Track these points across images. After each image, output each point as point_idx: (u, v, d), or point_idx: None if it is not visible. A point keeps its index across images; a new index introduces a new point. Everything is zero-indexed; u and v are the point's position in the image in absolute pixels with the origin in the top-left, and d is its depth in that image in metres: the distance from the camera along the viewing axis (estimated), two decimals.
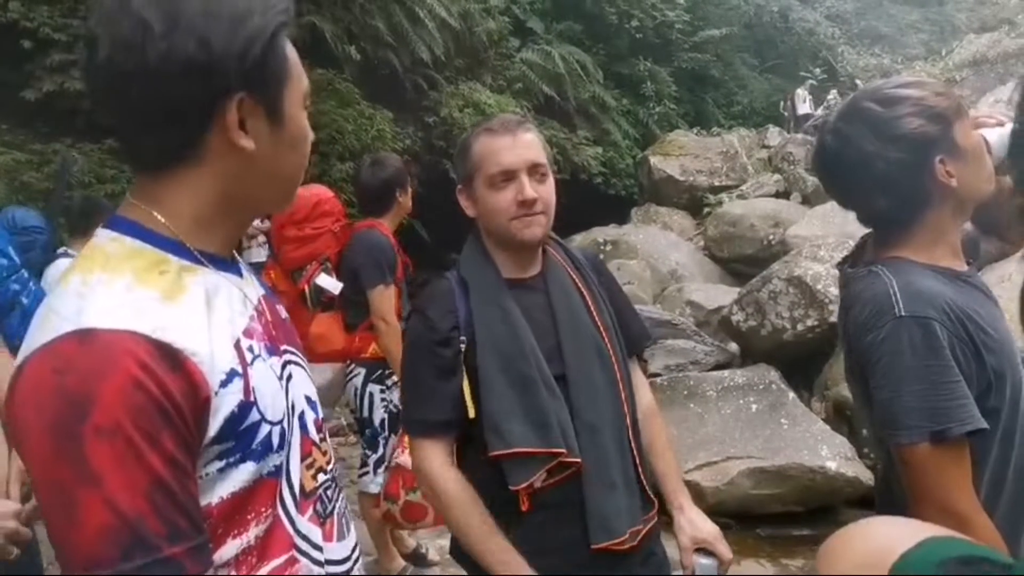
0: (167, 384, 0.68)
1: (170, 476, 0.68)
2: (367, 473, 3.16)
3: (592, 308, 1.52)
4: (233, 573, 0.76)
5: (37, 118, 6.52)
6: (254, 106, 0.78)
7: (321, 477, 0.89)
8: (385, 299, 3.00)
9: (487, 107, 11.04)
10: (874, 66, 16.75)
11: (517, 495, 1.38)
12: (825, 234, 6.61)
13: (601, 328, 1.50)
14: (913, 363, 1.17)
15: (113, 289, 0.72)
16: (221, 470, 0.74)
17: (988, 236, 3.34)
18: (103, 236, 0.79)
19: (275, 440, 0.79)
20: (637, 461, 1.50)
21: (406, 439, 2.97)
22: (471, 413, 1.40)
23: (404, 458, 2.95)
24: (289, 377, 0.86)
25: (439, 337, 1.43)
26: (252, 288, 0.88)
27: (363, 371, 3.11)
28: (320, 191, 3.29)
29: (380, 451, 3.12)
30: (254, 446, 0.77)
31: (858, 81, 15.05)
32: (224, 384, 0.74)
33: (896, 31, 20.02)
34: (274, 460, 0.79)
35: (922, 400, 1.16)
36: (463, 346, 1.42)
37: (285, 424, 0.81)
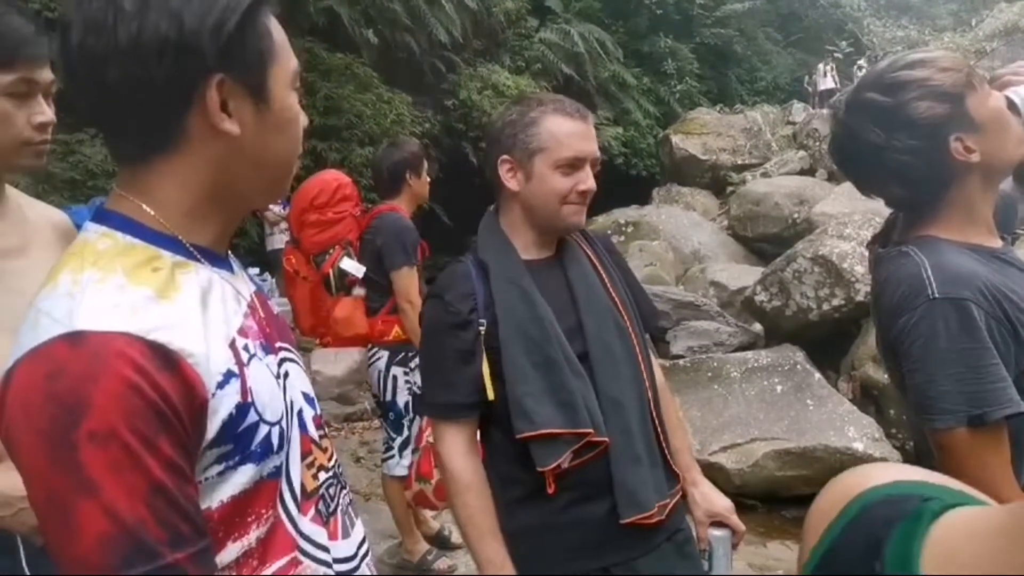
0: (163, 386, 0.66)
1: (169, 481, 0.65)
2: (392, 456, 3.18)
3: (609, 285, 1.51)
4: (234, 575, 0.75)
5: (60, 108, 6.58)
6: (236, 87, 0.75)
7: (322, 476, 0.87)
8: (411, 281, 3.01)
9: (505, 88, 10.98)
10: (901, 38, 16.36)
11: (543, 476, 1.37)
12: (851, 211, 6.49)
13: (619, 304, 1.50)
14: (948, 346, 1.13)
15: (105, 289, 0.69)
16: (220, 473, 0.72)
17: None
18: (92, 231, 0.76)
19: (274, 440, 0.77)
20: (660, 434, 1.50)
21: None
22: (491, 396, 1.39)
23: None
24: (286, 375, 0.84)
25: (458, 320, 1.42)
26: (244, 284, 0.85)
27: (386, 354, 3.12)
28: (339, 175, 3.30)
29: (405, 433, 3.14)
30: (253, 448, 0.74)
31: (884, 54, 14.72)
32: (221, 385, 0.71)
33: (924, 2, 19.54)
34: (274, 461, 0.77)
35: (959, 384, 1.13)
36: (482, 328, 1.41)
37: (284, 424, 0.79)
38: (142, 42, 0.70)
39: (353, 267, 3.10)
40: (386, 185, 3.23)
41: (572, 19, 12.87)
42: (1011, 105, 1.23)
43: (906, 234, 1.30)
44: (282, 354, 0.86)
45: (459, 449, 1.42)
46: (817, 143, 10.62)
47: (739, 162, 11.19)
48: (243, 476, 0.74)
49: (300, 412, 0.85)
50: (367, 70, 9.10)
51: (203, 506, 0.71)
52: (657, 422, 1.50)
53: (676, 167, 11.57)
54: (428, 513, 3.39)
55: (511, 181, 1.47)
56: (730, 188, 10.50)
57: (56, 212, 1.44)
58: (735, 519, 1.53)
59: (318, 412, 0.91)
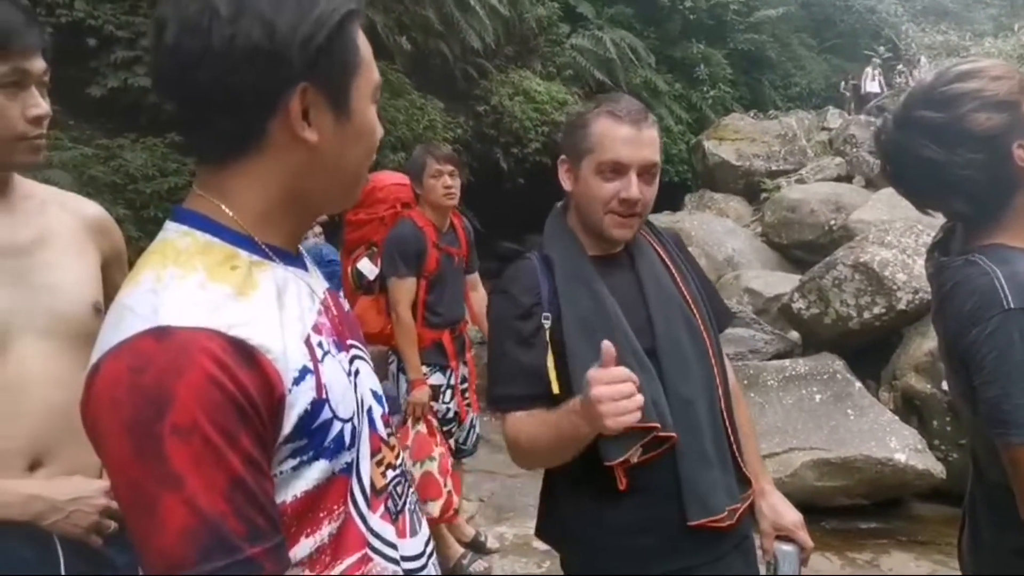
0: (243, 381, 0.67)
1: (248, 475, 0.67)
2: None
3: (680, 282, 1.48)
4: (307, 572, 0.75)
5: (102, 114, 6.73)
6: (318, 97, 0.76)
7: (390, 473, 0.88)
8: (397, 291, 3.00)
9: (537, 94, 10.99)
10: (940, 43, 16.06)
11: (612, 473, 1.34)
12: (892, 219, 6.35)
13: (690, 302, 1.47)
14: (1023, 359, 1.10)
15: (186, 285, 0.71)
16: (295, 468, 0.74)
17: None
18: (172, 230, 0.78)
19: (347, 437, 0.78)
20: (731, 437, 1.46)
21: (398, 431, 3.03)
22: (555, 389, 1.37)
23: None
24: (356, 372, 0.85)
25: (520, 312, 1.41)
26: (318, 282, 0.87)
27: (396, 359, 3.16)
28: (380, 178, 3.34)
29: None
30: (327, 444, 0.75)
31: (922, 58, 14.47)
32: (297, 382, 0.73)
33: (963, 6, 19.17)
34: (345, 457, 0.78)
35: None
36: (547, 322, 1.40)
37: (356, 421, 0.80)
38: (235, 47, 0.72)
39: (367, 268, 3.16)
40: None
41: (604, 25, 12.86)
42: None
43: (970, 242, 1.26)
44: (353, 352, 0.87)
45: (521, 424, 1.38)
46: (854, 149, 10.44)
47: (773, 168, 11.04)
48: (316, 471, 0.75)
49: (370, 410, 0.86)
50: (400, 76, 9.17)
51: (278, 500, 0.72)
52: (728, 422, 1.46)
53: (709, 173, 11.46)
54: (463, 518, 3.38)
55: (567, 181, 1.48)
56: (764, 194, 10.35)
57: (90, 205, 1.41)
58: (804, 535, 1.47)
59: (386, 410, 0.92)
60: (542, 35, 12.16)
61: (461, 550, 3.27)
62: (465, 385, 3.24)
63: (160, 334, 0.67)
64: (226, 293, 0.72)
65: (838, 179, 10.04)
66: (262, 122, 0.75)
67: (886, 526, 3.93)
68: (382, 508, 0.84)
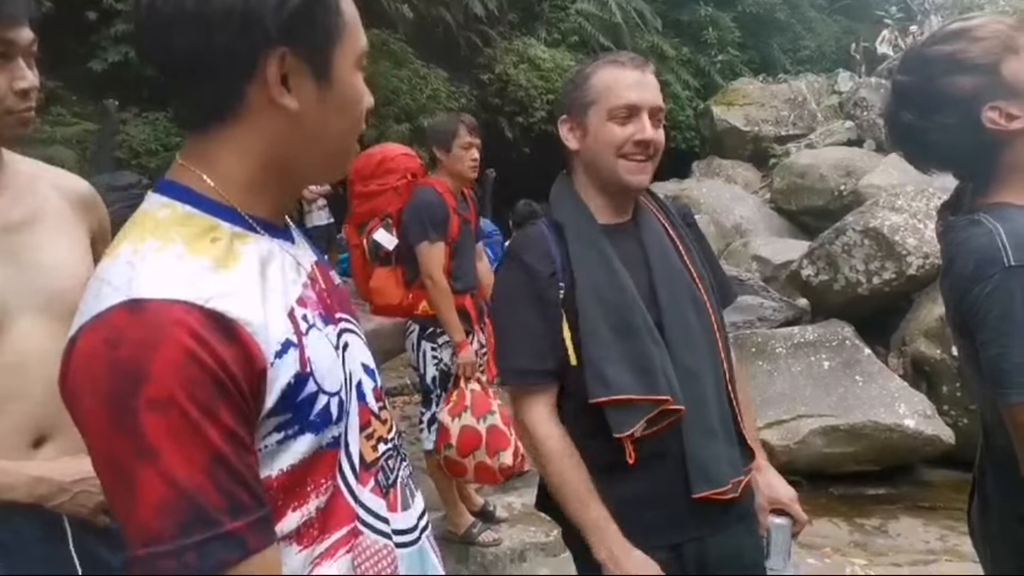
0: (221, 355, 0.66)
1: (229, 449, 0.66)
2: (424, 429, 3.21)
3: (684, 254, 1.47)
4: (295, 546, 0.74)
5: (104, 88, 6.69)
6: (298, 63, 0.74)
7: (381, 447, 0.87)
8: (429, 256, 3.00)
9: (542, 62, 10.84)
10: (954, 2, 15.73)
11: (620, 446, 1.34)
12: (903, 183, 6.29)
13: (694, 274, 1.46)
14: None
15: (164, 257, 0.70)
16: (280, 442, 0.73)
17: None
18: (154, 202, 0.76)
19: (333, 411, 0.77)
20: (736, 408, 1.46)
21: (452, 395, 3.04)
22: (572, 360, 1.36)
23: (443, 414, 3.04)
24: (345, 346, 0.84)
25: (539, 282, 1.39)
26: (305, 254, 0.85)
27: (417, 328, 3.15)
28: (388, 149, 3.34)
29: (432, 408, 3.16)
30: (312, 417, 0.74)
31: (933, 18, 14.18)
32: (279, 355, 0.71)
33: None
34: (333, 431, 0.77)
35: None
36: (562, 291, 1.38)
37: (343, 394, 0.79)
38: (207, 9, 0.70)
39: (385, 239, 3.13)
40: (431, 160, 3.25)
41: None
42: None
43: (976, 202, 1.25)
44: (342, 325, 0.85)
45: (543, 416, 1.39)
46: (865, 112, 10.29)
47: (782, 133, 10.91)
48: (302, 445, 0.74)
49: (360, 383, 0.85)
50: (403, 46, 9.06)
51: (264, 474, 0.71)
52: (733, 395, 1.45)
53: (717, 139, 11.33)
54: (472, 488, 3.41)
55: (571, 140, 1.45)
56: (773, 160, 10.25)
57: (78, 181, 1.39)
58: (797, 508, 1.49)
59: (378, 384, 0.90)
60: (546, 1, 11.96)
61: (472, 519, 3.30)
62: (485, 351, 3.24)
63: (134, 306, 0.66)
64: (205, 265, 0.70)
65: (848, 143, 9.92)
66: (239, 87, 0.74)
67: (895, 492, 3.95)
68: (372, 482, 0.83)
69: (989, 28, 1.20)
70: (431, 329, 3.11)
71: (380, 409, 0.89)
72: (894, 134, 1.31)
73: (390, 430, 0.90)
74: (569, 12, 12.03)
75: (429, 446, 3.14)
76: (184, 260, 0.70)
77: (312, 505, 0.76)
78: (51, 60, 6.35)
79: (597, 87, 1.41)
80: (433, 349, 3.13)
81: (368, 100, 0.83)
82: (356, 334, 0.89)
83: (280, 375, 0.71)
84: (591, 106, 1.41)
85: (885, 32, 14.35)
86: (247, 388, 0.68)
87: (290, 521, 0.74)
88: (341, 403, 0.78)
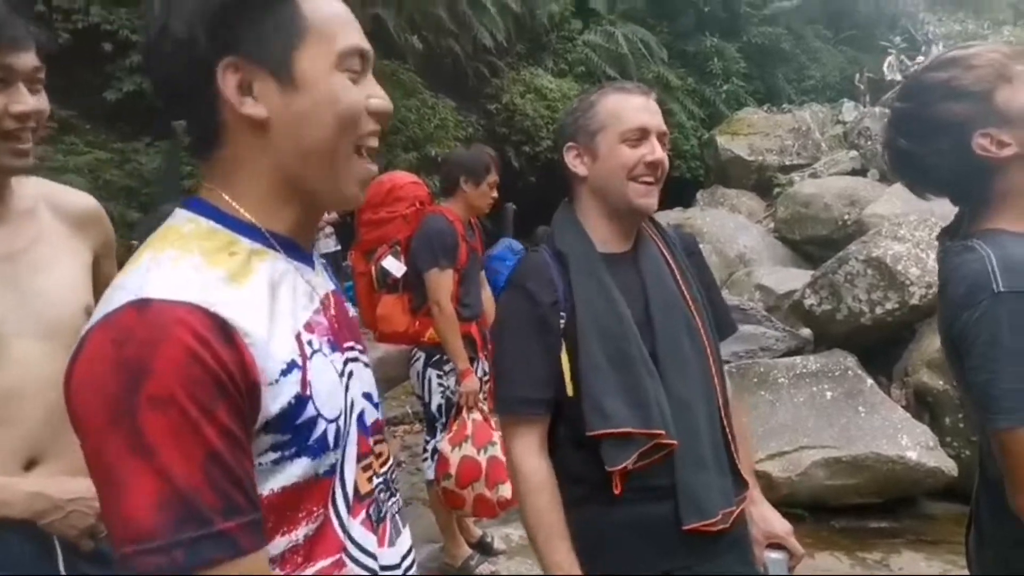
0: (222, 356, 0.67)
1: (226, 449, 0.66)
2: (427, 459, 3.20)
3: (682, 284, 1.48)
4: (277, 571, 0.74)
5: (118, 118, 6.82)
6: (255, 68, 0.75)
7: (376, 480, 0.87)
8: (438, 283, 3.02)
9: (549, 91, 10.95)
10: (957, 33, 15.81)
11: (609, 477, 1.35)
12: (906, 212, 6.29)
13: (691, 304, 1.47)
14: (1012, 342, 1.10)
15: (180, 266, 0.72)
16: (276, 462, 0.73)
17: None
18: (180, 216, 0.79)
19: (331, 438, 0.77)
20: (730, 440, 1.46)
21: (453, 425, 3.04)
22: (570, 391, 1.37)
23: (443, 444, 3.03)
24: (350, 375, 0.84)
25: (541, 311, 1.40)
26: (322, 281, 0.86)
27: (423, 355, 3.16)
28: (397, 177, 3.38)
29: (436, 436, 3.15)
30: (310, 442, 0.75)
31: (936, 48, 14.26)
32: (284, 373, 0.72)
33: None
34: (330, 459, 0.77)
35: (1021, 382, 1.09)
36: (563, 321, 1.40)
37: (342, 422, 0.79)
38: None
39: (393, 266, 3.16)
40: (444, 186, 3.31)
41: (616, 20, 12.78)
42: None
43: (971, 227, 1.26)
44: (349, 354, 0.86)
45: (532, 449, 1.40)
46: (869, 142, 10.32)
47: (787, 163, 10.94)
48: (298, 468, 0.74)
49: (361, 413, 0.85)
50: (412, 76, 9.19)
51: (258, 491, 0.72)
52: (727, 426, 1.46)
53: (721, 168, 11.38)
54: (470, 520, 3.40)
55: (579, 166, 1.47)
56: (777, 189, 10.27)
57: (80, 197, 1.38)
58: (793, 542, 1.49)
59: (381, 416, 0.91)
60: (554, 31, 12.12)
61: (469, 551, 3.29)
62: (488, 378, 3.26)
63: (142, 306, 0.67)
64: (219, 276, 0.72)
65: (853, 173, 9.93)
66: (210, 109, 0.76)
67: (897, 525, 3.90)
68: (363, 514, 0.83)
69: (984, 56, 1.22)
70: (437, 356, 3.12)
71: (377, 442, 0.89)
72: (892, 160, 1.33)
73: (385, 463, 0.91)
74: (576, 43, 12.18)
75: (431, 475, 3.14)
76: (200, 270, 0.72)
77: (301, 532, 0.76)
78: (66, 90, 6.50)
79: (606, 112, 1.44)
80: (439, 377, 3.14)
81: (348, 99, 0.78)
82: (363, 364, 0.90)
83: (281, 394, 0.72)
84: (601, 131, 1.44)
85: (891, 58, 14.44)
86: (245, 391, 0.69)
87: (277, 545, 0.74)
88: (339, 431, 0.79)
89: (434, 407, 3.16)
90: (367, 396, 0.88)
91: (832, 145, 11.37)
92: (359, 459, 0.83)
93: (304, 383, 0.74)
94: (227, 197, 0.79)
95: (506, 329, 1.47)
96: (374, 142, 0.83)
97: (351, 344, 0.87)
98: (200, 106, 0.77)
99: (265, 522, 0.72)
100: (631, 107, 1.44)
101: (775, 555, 1.47)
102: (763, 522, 1.51)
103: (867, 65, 14.91)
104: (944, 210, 1.36)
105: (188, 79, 0.76)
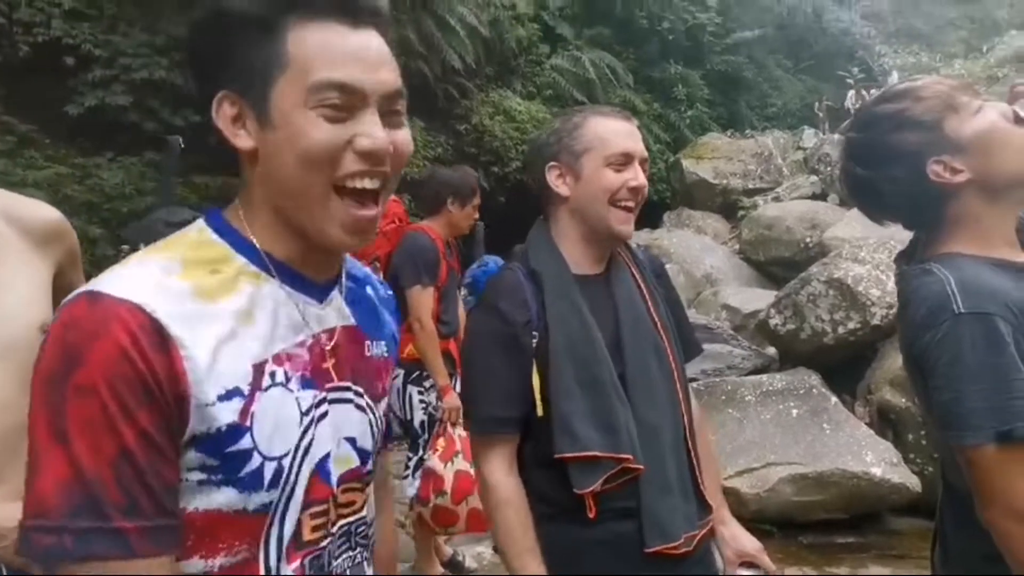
0: (152, 361, 0.67)
1: (140, 452, 0.66)
2: (407, 476, 3.17)
3: (652, 308, 1.49)
4: None
5: (79, 132, 6.68)
6: (242, 103, 0.77)
7: (331, 529, 0.81)
8: (420, 300, 3.04)
9: (517, 114, 11.05)
10: (912, 65, 16.41)
11: (579, 499, 1.35)
12: (865, 235, 6.45)
13: (660, 328, 1.48)
14: (974, 361, 1.12)
15: (150, 266, 0.73)
16: (200, 483, 0.71)
17: None
18: (196, 225, 0.81)
19: (267, 476, 0.73)
20: (695, 464, 1.47)
21: (438, 442, 3.01)
22: (540, 412, 1.37)
23: (434, 461, 2.99)
24: (323, 415, 0.79)
25: (514, 331, 1.39)
26: (331, 316, 0.83)
27: (402, 372, 3.14)
28: None
29: (420, 453, 3.13)
30: (242, 475, 0.72)
31: (892, 78, 14.77)
32: (222, 398, 0.70)
33: (934, 29, 19.62)
34: (263, 497, 0.73)
35: (985, 400, 1.11)
36: (535, 341, 1.39)
37: (287, 462, 0.75)
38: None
39: None
40: (427, 204, 3.30)
41: (583, 46, 12.99)
42: (1019, 118, 1.22)
43: (927, 252, 1.30)
44: (333, 394, 0.82)
45: (502, 466, 1.39)
46: (828, 167, 10.60)
47: (750, 186, 11.18)
48: (223, 496, 0.72)
49: (326, 458, 0.80)
50: None
51: (180, 505, 0.71)
52: (692, 450, 1.47)
53: (687, 191, 11.57)
54: (441, 538, 3.36)
55: (561, 186, 1.47)
56: (741, 212, 10.47)
57: (42, 209, 1.32)
58: (765, 559, 1.51)
59: (365, 465, 0.86)
60: (522, 55, 12.26)
61: (441, 570, 3.24)
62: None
63: (92, 298, 0.68)
64: (183, 288, 0.72)
65: (813, 197, 10.18)
66: (223, 136, 0.78)
67: (863, 540, 3.96)
68: (299, 563, 0.77)
69: (932, 88, 1.26)
70: (417, 373, 3.11)
71: (349, 490, 0.83)
72: (848, 188, 1.37)
73: (354, 513, 0.85)
74: (544, 67, 12.33)
75: (412, 492, 3.10)
76: (167, 274, 0.72)
77: (217, 562, 0.73)
78: (26, 103, 6.37)
79: (592, 135, 1.45)
80: (420, 393, 3.13)
81: (311, 139, 0.75)
82: (356, 407, 0.85)
83: (215, 418, 0.70)
84: (585, 153, 1.44)
85: (851, 92, 14.93)
86: (172, 400, 0.68)
87: (194, 565, 0.72)
88: (280, 470, 0.75)
89: (416, 423, 3.14)
90: (351, 441, 0.83)
91: (793, 170, 11.65)
92: (308, 505, 0.78)
93: (245, 413, 0.72)
94: (242, 215, 0.80)
95: (477, 348, 1.46)
96: (367, 183, 0.77)
97: (344, 384, 0.83)
98: (218, 132, 0.79)
99: (185, 538, 0.71)
100: (617, 131, 1.45)
101: (747, 573, 1.49)
102: (734, 541, 1.52)
103: (826, 94, 15.38)
104: (903, 234, 1.40)
105: (206, 104, 0.78)
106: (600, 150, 1.43)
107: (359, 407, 0.85)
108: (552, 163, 1.47)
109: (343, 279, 0.89)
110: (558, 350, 1.37)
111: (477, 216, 3.30)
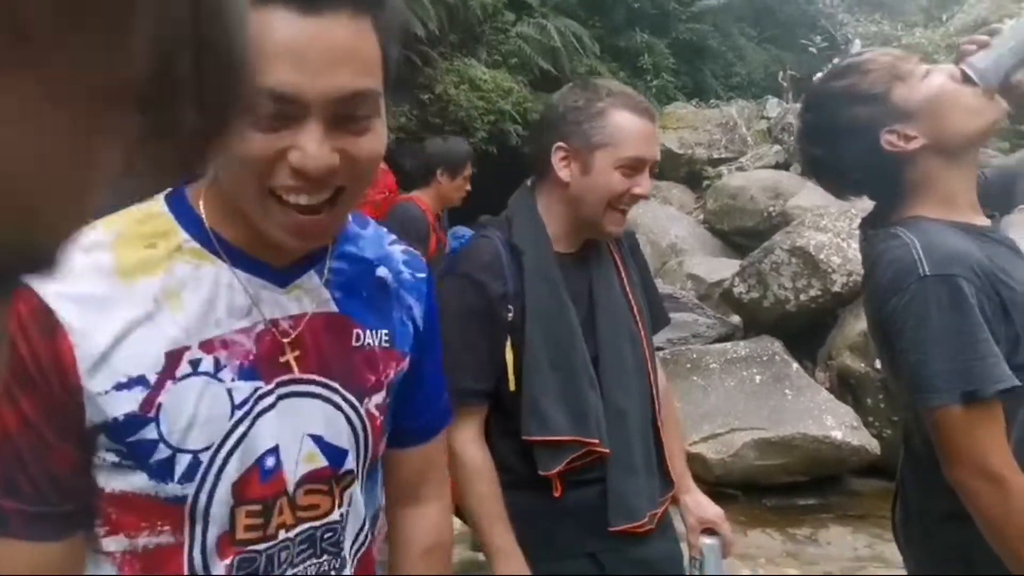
0: (37, 348, 0.65)
1: (20, 437, 0.65)
2: None
3: (628, 290, 1.48)
4: (110, 566, 0.72)
5: None
6: None
7: (282, 534, 0.76)
8: None
9: (482, 83, 10.92)
10: (874, 33, 16.51)
11: (545, 477, 1.37)
12: (827, 204, 6.54)
13: (635, 311, 1.48)
14: (940, 323, 1.14)
15: (80, 242, 0.69)
16: (115, 464, 0.70)
17: None
18: (158, 196, 0.76)
19: (179, 468, 0.70)
20: (661, 444, 1.49)
21: None
22: (511, 386, 1.36)
23: None
24: (268, 407, 0.74)
25: (488, 300, 1.36)
26: (301, 302, 0.77)
27: None
28: None
29: None
30: (151, 463, 0.69)
31: (855, 47, 14.88)
32: (120, 387, 0.67)
33: None
34: (175, 490, 0.70)
35: (951, 361, 1.13)
36: (510, 315, 1.37)
37: (207, 456, 0.71)
38: None
39: None
40: (417, 175, 3.25)
41: (549, 14, 12.83)
42: (967, 78, 1.23)
43: (894, 216, 1.30)
44: (291, 387, 0.76)
45: (471, 436, 1.39)
46: (791, 137, 10.68)
47: (715, 156, 11.23)
48: (138, 480, 0.70)
49: (271, 452, 0.75)
50: None
51: (99, 484, 0.70)
52: (659, 431, 1.49)
53: None
54: None
55: (563, 170, 1.40)
56: (706, 182, 10.52)
57: None
58: (726, 527, 1.54)
59: (335, 467, 0.79)
60: (487, 22, 12.07)
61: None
62: None
63: None
64: (100, 263, 0.69)
65: (776, 166, 10.26)
66: None
67: (824, 502, 4.06)
68: (232, 560, 0.74)
69: (877, 61, 1.28)
70: None
71: (313, 491, 0.78)
72: (809, 167, 1.39)
73: (319, 517, 0.79)
74: (509, 35, 12.17)
75: None
76: (93, 251, 0.69)
77: (140, 542, 0.71)
78: None
79: (612, 129, 1.37)
80: None
81: (241, 152, 0.67)
82: (326, 401, 0.79)
83: (110, 406, 0.67)
84: (600, 148, 1.37)
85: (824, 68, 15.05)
86: (59, 387, 0.66)
87: (116, 541, 0.71)
88: (197, 464, 0.71)
89: None
90: (316, 439, 0.77)
91: (757, 140, 11.71)
92: (243, 502, 0.73)
93: (150, 403, 0.68)
94: (202, 191, 0.76)
95: (450, 317, 1.42)
96: (303, 199, 0.69)
97: (307, 377, 0.76)
98: None
99: (108, 512, 0.70)
100: (638, 133, 1.38)
101: (709, 540, 1.52)
102: (697, 508, 1.55)
103: (790, 63, 15.43)
104: (865, 203, 1.41)
105: None
106: (615, 150, 1.36)
107: (330, 402, 0.78)
108: (560, 143, 1.40)
109: (328, 262, 0.80)
110: (533, 330, 1.36)
111: (469, 188, 3.22)
